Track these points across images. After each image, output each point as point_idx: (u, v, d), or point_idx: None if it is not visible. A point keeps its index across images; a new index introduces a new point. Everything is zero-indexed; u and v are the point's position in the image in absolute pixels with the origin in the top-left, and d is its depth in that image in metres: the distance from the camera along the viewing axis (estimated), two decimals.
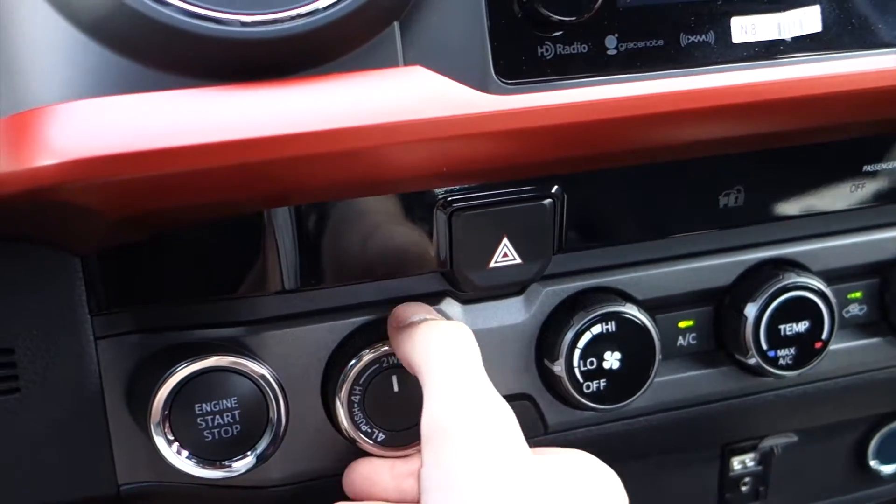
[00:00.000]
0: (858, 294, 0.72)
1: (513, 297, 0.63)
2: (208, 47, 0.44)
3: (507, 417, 0.49)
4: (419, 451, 0.59)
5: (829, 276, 0.69)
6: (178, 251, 0.56)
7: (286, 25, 0.44)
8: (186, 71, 0.45)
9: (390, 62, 0.47)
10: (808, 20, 0.53)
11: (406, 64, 0.48)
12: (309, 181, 0.50)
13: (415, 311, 0.57)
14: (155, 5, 0.43)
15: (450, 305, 0.62)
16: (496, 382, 0.52)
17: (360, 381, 0.58)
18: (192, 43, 0.44)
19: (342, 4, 0.45)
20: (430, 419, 0.49)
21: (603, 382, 0.63)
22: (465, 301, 0.63)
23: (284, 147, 0.45)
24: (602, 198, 0.61)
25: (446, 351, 0.51)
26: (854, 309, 0.72)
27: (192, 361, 0.55)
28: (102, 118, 0.43)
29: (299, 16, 0.45)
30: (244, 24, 0.44)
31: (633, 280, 0.65)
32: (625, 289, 0.65)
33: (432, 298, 0.62)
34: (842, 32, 0.53)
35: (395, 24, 0.47)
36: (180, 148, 0.43)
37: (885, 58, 0.54)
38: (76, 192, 0.45)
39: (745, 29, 0.52)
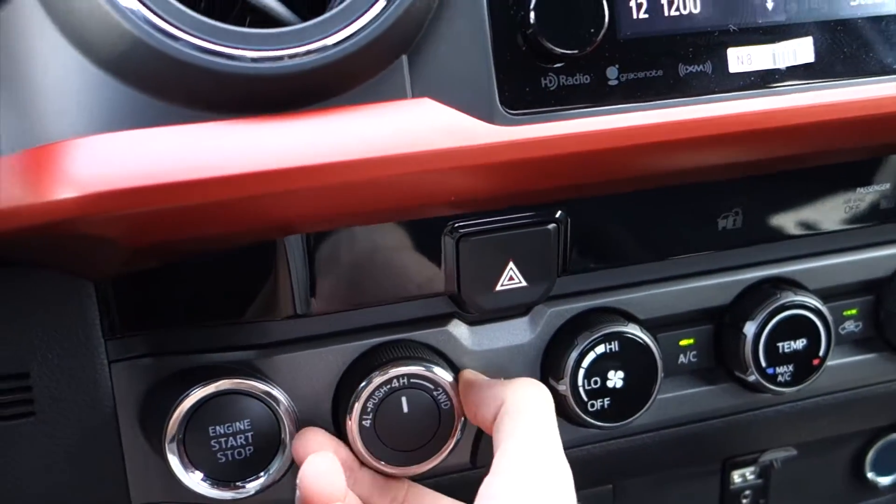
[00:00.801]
0: (854, 311, 0.73)
1: (518, 317, 0.65)
2: (221, 82, 0.45)
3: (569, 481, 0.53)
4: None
5: (826, 294, 0.70)
6: (191, 276, 0.57)
7: (296, 62, 0.45)
8: (201, 104, 0.46)
9: (399, 94, 0.48)
10: (801, 50, 0.54)
11: (414, 96, 0.49)
12: (321, 211, 0.51)
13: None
14: (168, 41, 0.44)
15: (457, 327, 0.63)
16: None
17: (371, 403, 0.59)
18: (204, 78, 0.45)
19: (352, 41, 0.46)
20: (522, 447, 0.53)
21: (607, 401, 0.64)
22: (471, 322, 0.64)
23: (298, 179, 0.46)
24: (604, 222, 0.62)
25: (542, 402, 0.56)
26: (850, 326, 0.73)
27: (207, 384, 0.56)
28: (120, 152, 0.44)
29: (309, 52, 0.45)
30: (254, 60, 0.45)
31: (636, 300, 0.66)
32: (627, 309, 0.66)
33: (440, 320, 0.63)
34: (834, 62, 0.55)
35: (404, 57, 0.48)
36: (197, 181, 0.44)
37: (877, 86, 0.55)
38: (94, 225, 0.46)
39: (741, 59, 0.53)
